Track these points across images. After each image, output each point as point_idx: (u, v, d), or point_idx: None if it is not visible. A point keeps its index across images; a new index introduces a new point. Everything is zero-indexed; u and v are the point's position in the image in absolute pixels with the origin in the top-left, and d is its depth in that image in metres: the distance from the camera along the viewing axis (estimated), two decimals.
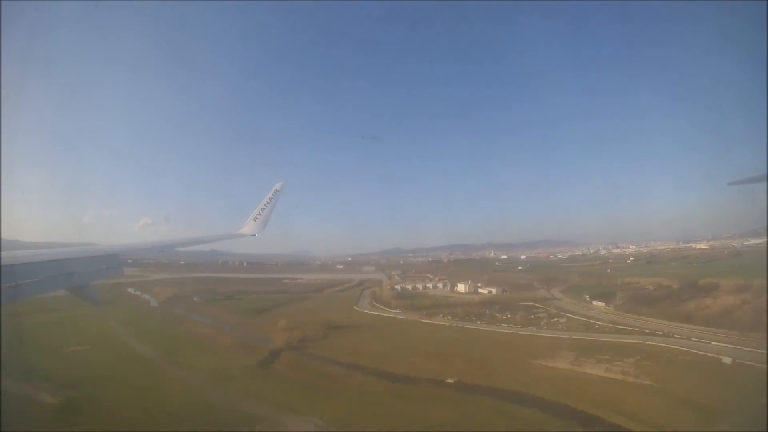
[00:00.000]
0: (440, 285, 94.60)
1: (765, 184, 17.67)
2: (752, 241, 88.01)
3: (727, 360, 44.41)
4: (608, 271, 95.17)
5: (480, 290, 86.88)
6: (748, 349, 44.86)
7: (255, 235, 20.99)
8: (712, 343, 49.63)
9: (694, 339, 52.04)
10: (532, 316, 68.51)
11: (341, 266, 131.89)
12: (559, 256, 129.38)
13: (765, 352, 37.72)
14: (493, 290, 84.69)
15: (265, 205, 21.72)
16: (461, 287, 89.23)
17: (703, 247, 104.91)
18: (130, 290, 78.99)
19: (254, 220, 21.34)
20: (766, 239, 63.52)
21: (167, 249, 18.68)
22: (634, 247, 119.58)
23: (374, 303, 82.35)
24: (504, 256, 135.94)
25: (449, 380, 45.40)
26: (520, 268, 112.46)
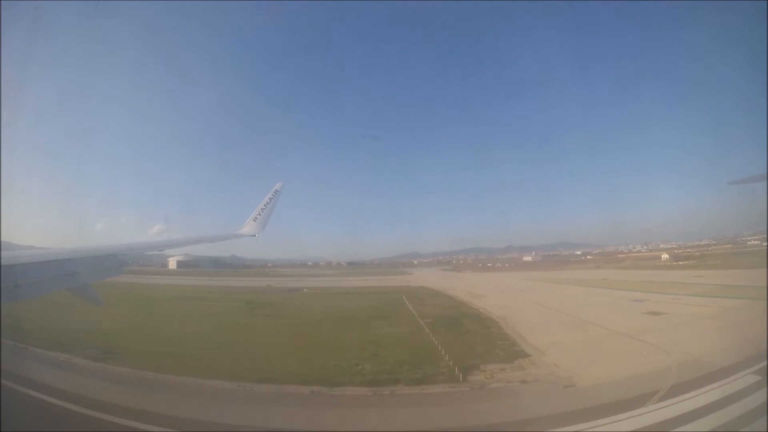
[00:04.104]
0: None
1: (765, 184, 17.64)
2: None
3: None
4: None
5: None
6: None
7: (255, 236, 20.83)
8: None
9: None
10: None
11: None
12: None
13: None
14: None
15: (264, 205, 21.59)
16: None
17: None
18: None
19: (254, 220, 21.19)
20: (766, 239, 63.51)
21: (167, 248, 18.68)
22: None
23: None
24: (579, 252, 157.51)
25: None
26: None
